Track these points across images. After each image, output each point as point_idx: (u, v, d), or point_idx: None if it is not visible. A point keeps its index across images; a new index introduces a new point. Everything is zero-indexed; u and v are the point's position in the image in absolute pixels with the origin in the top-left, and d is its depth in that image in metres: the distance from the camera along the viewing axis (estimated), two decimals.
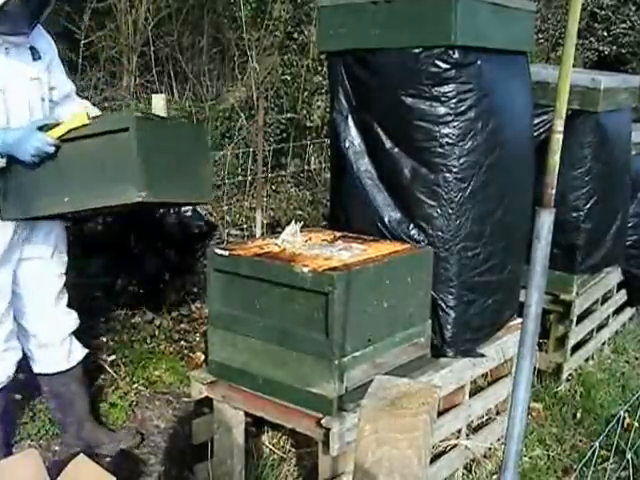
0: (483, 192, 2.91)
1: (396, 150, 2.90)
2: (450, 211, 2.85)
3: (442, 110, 2.80)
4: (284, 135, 7.13)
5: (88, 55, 7.30)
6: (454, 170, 2.83)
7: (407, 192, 2.90)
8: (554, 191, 1.52)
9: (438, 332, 2.92)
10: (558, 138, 1.52)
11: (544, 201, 1.51)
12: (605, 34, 10.45)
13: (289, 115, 7.24)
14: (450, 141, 2.81)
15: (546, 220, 1.50)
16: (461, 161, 2.83)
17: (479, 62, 2.83)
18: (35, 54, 2.80)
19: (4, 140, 2.59)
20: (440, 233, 2.86)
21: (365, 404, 1.20)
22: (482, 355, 3.07)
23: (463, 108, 2.80)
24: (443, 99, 2.79)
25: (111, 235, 4.24)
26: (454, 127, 2.81)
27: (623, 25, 10.38)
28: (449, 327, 2.92)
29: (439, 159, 2.83)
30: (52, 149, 2.58)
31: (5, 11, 2.53)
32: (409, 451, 1.14)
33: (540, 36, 9.28)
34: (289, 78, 7.47)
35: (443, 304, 2.91)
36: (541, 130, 3.80)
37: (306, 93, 7.43)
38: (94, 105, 3.15)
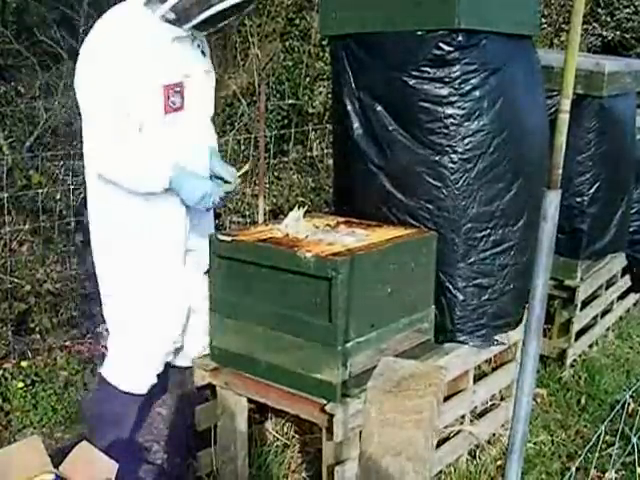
0: (491, 173, 2.87)
1: (400, 132, 2.87)
2: (456, 192, 2.82)
3: (446, 91, 2.77)
4: (286, 122, 7.08)
5: None
6: (459, 151, 2.80)
7: (412, 174, 2.87)
8: (560, 171, 1.50)
9: (447, 315, 2.90)
10: (564, 118, 1.50)
11: (551, 182, 1.50)
12: (609, 19, 10.36)
13: (291, 101, 7.18)
14: (455, 122, 2.78)
15: (553, 201, 1.49)
16: (466, 142, 2.80)
17: (484, 42, 2.79)
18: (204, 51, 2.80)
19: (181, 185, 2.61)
20: (446, 214, 2.84)
21: (371, 385, 1.18)
22: (496, 341, 3.03)
23: (468, 88, 2.77)
24: (447, 80, 2.76)
25: None
26: (458, 107, 2.78)
27: (627, 10, 10.27)
28: (457, 310, 2.90)
29: (444, 140, 2.80)
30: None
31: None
32: (415, 432, 1.12)
33: (543, 21, 9.19)
34: (291, 64, 7.42)
35: (450, 286, 2.89)
36: None
37: (308, 79, 7.38)
38: None
